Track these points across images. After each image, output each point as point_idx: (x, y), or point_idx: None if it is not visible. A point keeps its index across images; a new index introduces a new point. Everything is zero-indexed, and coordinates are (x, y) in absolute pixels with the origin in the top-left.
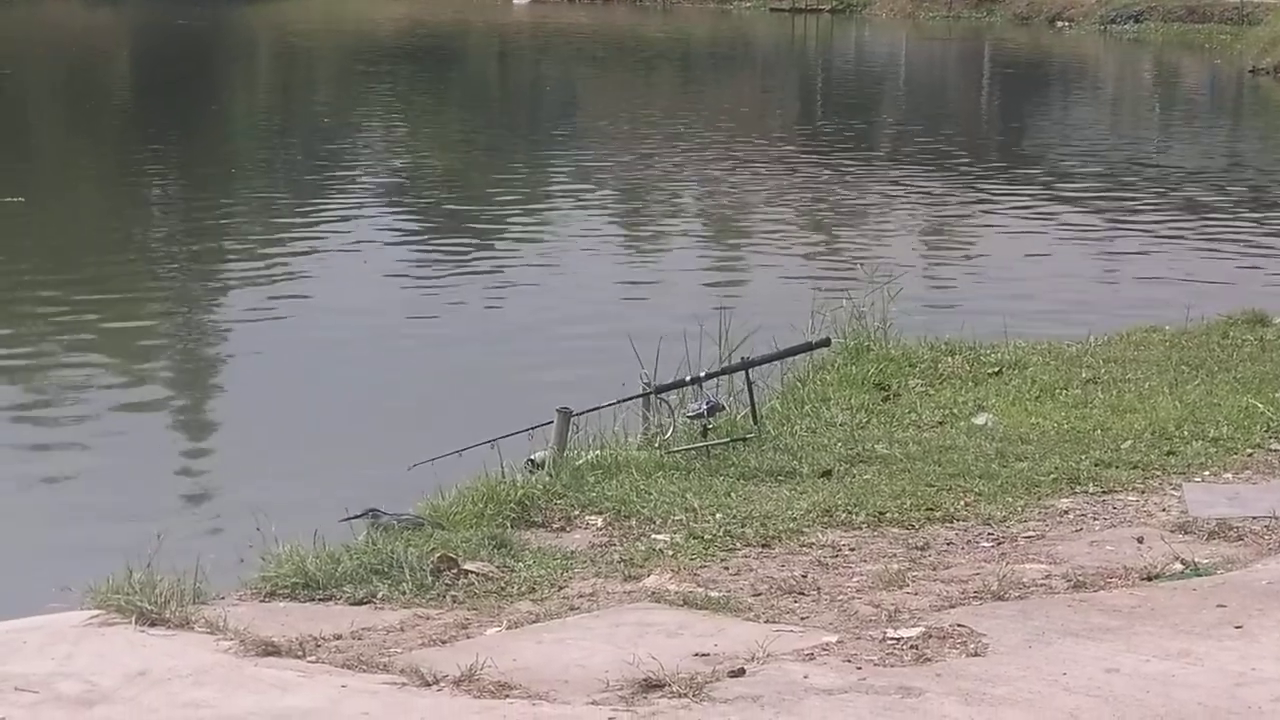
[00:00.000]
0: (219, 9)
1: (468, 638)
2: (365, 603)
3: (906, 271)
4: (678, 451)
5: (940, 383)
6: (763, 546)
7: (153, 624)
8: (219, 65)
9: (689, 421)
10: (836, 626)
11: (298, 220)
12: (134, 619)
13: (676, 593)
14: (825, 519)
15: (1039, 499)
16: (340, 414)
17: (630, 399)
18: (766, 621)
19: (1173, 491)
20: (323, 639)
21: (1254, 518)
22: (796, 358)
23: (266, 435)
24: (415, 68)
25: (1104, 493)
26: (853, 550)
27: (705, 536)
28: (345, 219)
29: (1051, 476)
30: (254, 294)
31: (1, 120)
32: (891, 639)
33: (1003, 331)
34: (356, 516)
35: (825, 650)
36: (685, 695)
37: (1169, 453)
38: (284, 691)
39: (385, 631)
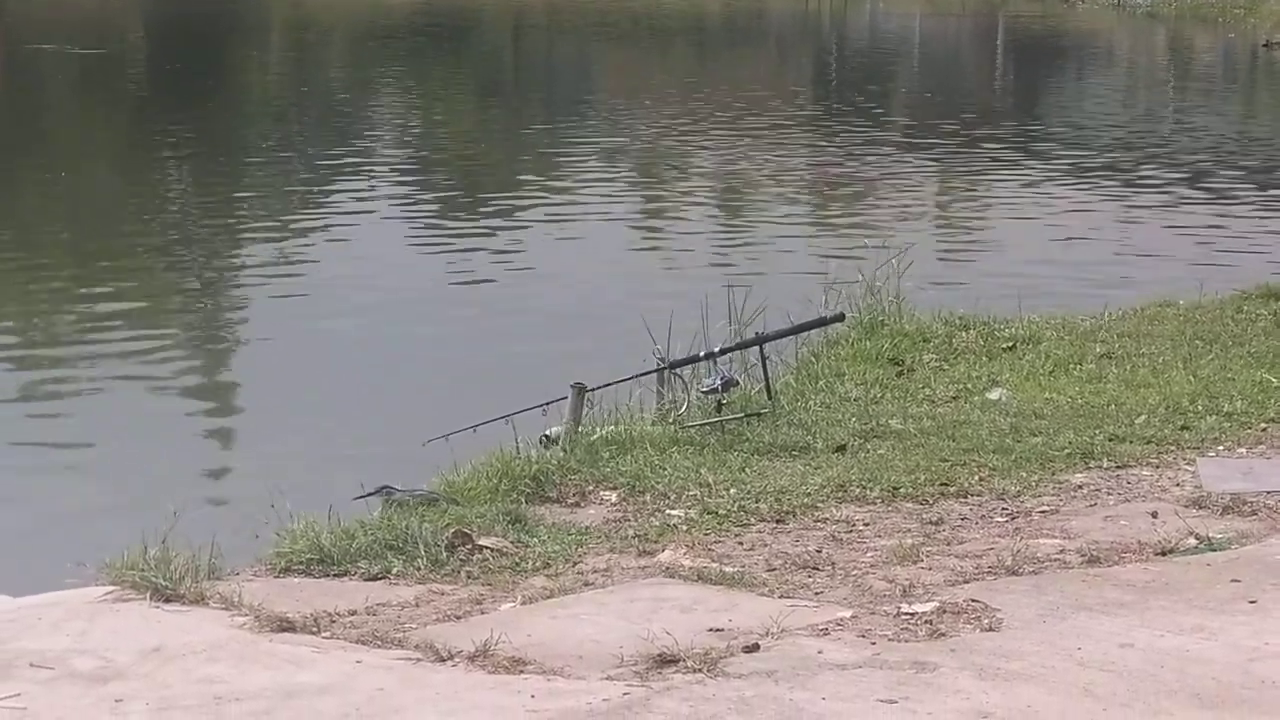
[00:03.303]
0: None
1: (482, 613)
2: (380, 578)
3: (921, 246)
4: (692, 427)
5: (954, 358)
6: (777, 522)
7: (167, 600)
8: (237, 43)
9: (703, 397)
10: (851, 602)
11: (313, 197)
12: (149, 595)
13: (691, 568)
14: (839, 494)
15: (1053, 474)
16: (355, 390)
17: (644, 374)
18: (781, 597)
19: (1187, 466)
20: (337, 614)
21: (1268, 492)
22: (811, 333)
23: (281, 411)
24: (430, 44)
25: (1118, 468)
26: (867, 525)
27: (719, 512)
28: (360, 196)
29: (1065, 451)
30: (269, 270)
31: (44, 99)
32: (906, 614)
33: (1017, 306)
34: (369, 494)
35: (839, 625)
36: (699, 670)
37: (1183, 427)
38: (299, 667)
39: (400, 607)
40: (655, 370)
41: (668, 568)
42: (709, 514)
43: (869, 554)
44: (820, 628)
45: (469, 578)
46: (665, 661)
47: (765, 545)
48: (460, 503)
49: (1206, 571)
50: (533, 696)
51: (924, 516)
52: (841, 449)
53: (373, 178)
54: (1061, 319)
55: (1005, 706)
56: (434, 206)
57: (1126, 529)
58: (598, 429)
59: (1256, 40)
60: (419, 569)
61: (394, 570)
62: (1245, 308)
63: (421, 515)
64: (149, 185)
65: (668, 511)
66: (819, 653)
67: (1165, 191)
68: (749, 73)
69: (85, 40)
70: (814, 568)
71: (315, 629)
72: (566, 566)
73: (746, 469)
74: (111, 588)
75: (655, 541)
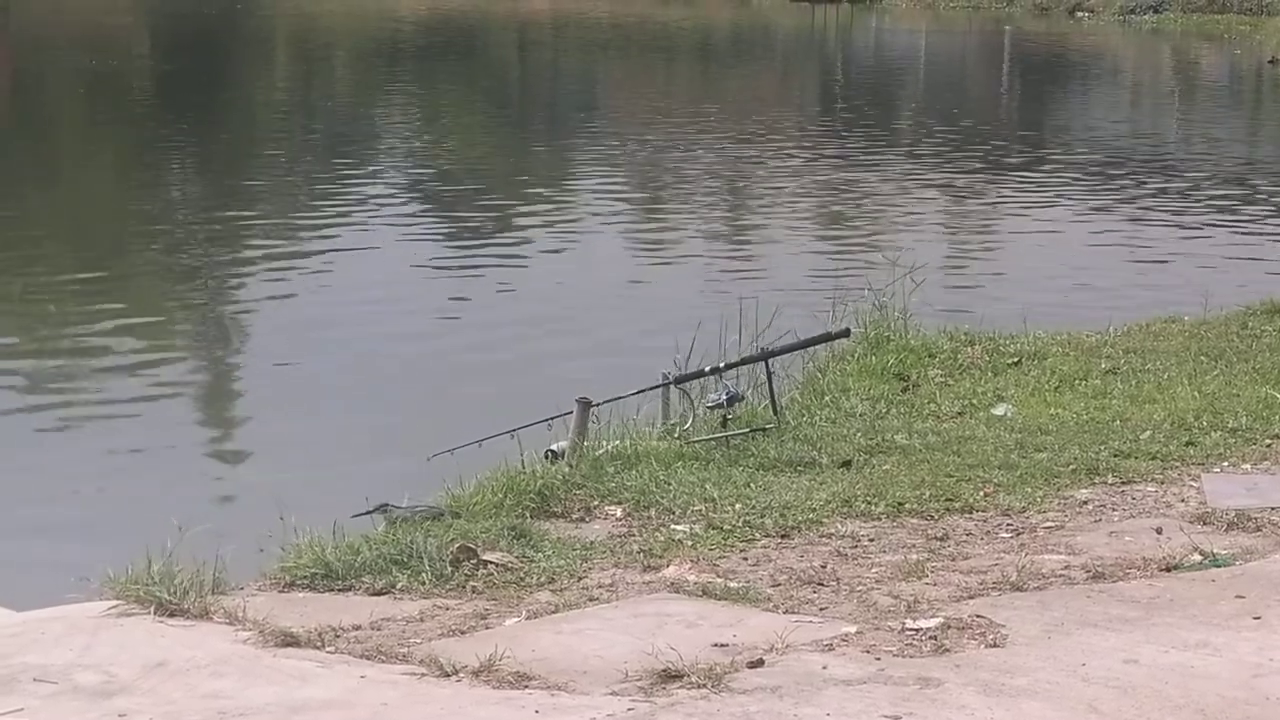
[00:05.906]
0: None
1: (487, 628)
2: (384, 593)
3: (927, 262)
4: (697, 442)
5: (960, 373)
6: (782, 537)
7: (171, 614)
8: (243, 53)
9: (709, 412)
10: (855, 617)
11: (318, 209)
12: (153, 609)
13: (695, 583)
14: (844, 509)
15: (1058, 490)
16: (360, 404)
17: (650, 389)
18: (785, 612)
19: (1191, 482)
20: (342, 629)
21: (1273, 508)
22: (816, 348)
23: (286, 426)
24: (436, 56)
25: (1123, 483)
26: (872, 541)
27: (724, 527)
28: (365, 208)
29: (1070, 467)
30: (274, 283)
31: (47, 110)
32: (910, 630)
33: (1022, 322)
34: (368, 512)
35: (844, 641)
36: (704, 686)
37: (1188, 443)
38: (303, 682)
39: (404, 622)
40: (661, 385)
41: (673, 583)
42: (714, 529)
43: (874, 570)
44: (825, 643)
45: (473, 593)
46: (670, 677)
47: (770, 561)
48: (465, 517)
49: (1211, 587)
50: (537, 712)
51: (929, 532)
52: (847, 464)
53: (371, 198)
54: (1067, 334)
55: None
56: (440, 220)
57: (1131, 545)
58: (603, 444)
59: (1262, 57)
60: (424, 584)
61: (398, 585)
62: (1250, 323)
63: (426, 530)
64: (153, 201)
65: (673, 527)
66: (824, 668)
67: (1171, 208)
68: (755, 87)
69: (92, 54)
70: (819, 583)
71: (320, 644)
72: (571, 581)
73: (752, 484)
74: (115, 602)
75: (660, 557)
